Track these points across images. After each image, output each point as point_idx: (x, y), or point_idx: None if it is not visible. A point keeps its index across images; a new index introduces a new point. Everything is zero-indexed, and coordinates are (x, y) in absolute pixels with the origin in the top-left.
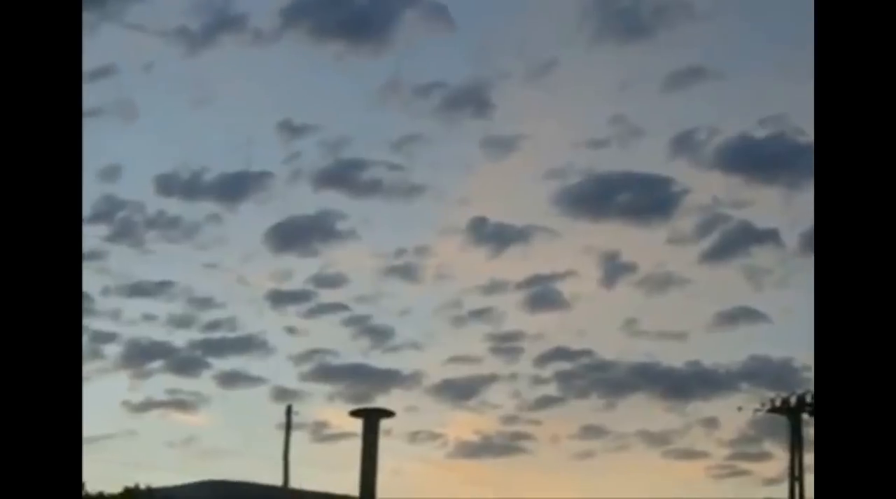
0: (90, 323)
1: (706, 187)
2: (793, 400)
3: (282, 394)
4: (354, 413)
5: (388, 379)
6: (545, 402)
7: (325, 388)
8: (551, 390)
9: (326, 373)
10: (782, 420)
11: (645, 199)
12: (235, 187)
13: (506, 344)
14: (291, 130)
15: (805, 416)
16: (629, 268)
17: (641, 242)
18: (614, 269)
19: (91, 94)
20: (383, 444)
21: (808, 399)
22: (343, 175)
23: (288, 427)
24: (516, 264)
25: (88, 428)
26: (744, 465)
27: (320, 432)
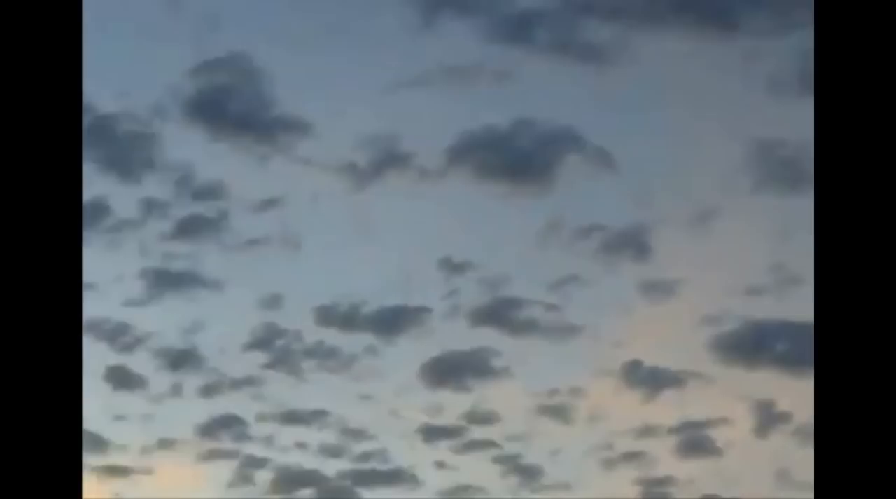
0: (243, 448)
1: None
2: None
3: None
4: None
5: None
6: None
7: None
8: None
9: None
10: None
11: (801, 348)
12: (393, 321)
13: (656, 489)
14: (451, 266)
15: None
16: (783, 417)
17: (796, 392)
18: (768, 417)
19: (258, 224)
20: None
21: None
22: (500, 313)
23: None
24: (670, 409)
25: None
26: None
27: None
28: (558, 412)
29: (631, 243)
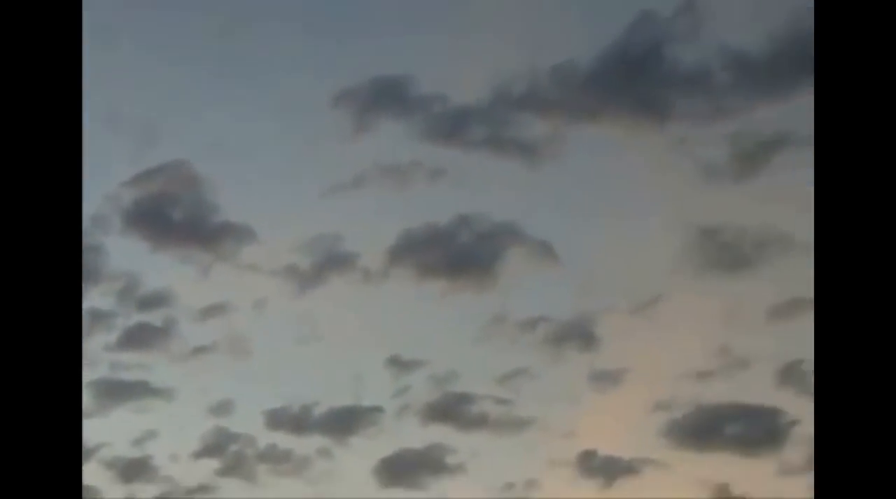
0: None
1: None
2: None
3: None
4: None
5: None
6: None
7: None
8: None
9: None
10: None
11: (754, 430)
12: (345, 422)
13: None
14: (400, 365)
15: None
16: None
17: (752, 474)
18: None
19: (204, 332)
20: None
21: None
22: (451, 409)
23: None
24: (626, 498)
25: None
26: None
27: None
28: None
29: (577, 334)
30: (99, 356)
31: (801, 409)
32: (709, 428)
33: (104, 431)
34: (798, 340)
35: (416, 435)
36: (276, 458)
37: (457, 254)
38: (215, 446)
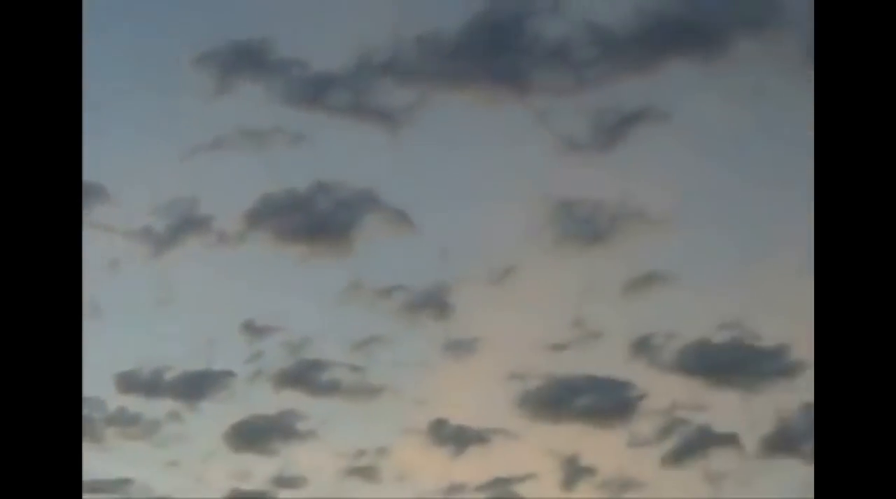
0: None
1: (665, 391)
2: None
3: None
4: None
5: None
6: None
7: None
8: None
9: None
10: None
11: (605, 402)
12: (197, 386)
13: None
14: (254, 330)
15: None
16: (589, 471)
17: (601, 445)
18: (574, 472)
19: None
20: None
21: None
22: (304, 375)
23: None
24: (477, 466)
25: None
26: None
27: None
28: (366, 473)
29: (432, 302)
30: None
31: (650, 382)
32: (561, 399)
33: None
34: (651, 314)
35: (269, 401)
36: (125, 421)
37: (314, 220)
38: None
